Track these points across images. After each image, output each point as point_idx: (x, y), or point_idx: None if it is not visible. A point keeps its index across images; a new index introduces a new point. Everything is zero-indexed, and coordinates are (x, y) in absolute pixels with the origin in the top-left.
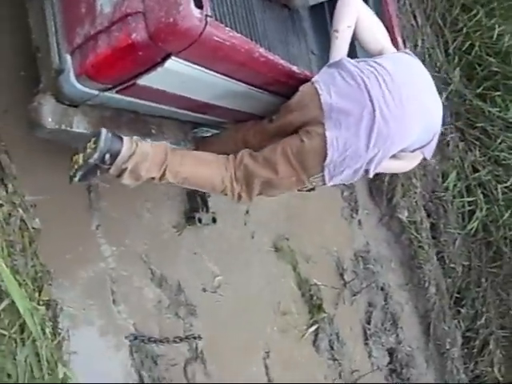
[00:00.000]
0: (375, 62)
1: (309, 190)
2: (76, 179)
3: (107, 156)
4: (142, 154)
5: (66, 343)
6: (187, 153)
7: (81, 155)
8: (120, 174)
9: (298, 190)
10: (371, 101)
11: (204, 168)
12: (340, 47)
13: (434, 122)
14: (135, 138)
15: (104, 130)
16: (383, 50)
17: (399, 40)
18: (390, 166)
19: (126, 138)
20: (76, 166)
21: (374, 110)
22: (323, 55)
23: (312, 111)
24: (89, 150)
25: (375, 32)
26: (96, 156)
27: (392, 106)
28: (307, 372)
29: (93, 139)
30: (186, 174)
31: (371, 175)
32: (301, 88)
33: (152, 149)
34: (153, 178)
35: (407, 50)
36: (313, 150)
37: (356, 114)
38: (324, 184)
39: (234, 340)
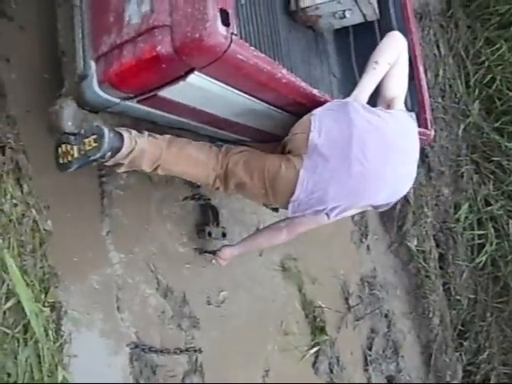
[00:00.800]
0: (383, 118)
1: (273, 210)
2: (71, 169)
3: (108, 154)
4: (140, 151)
5: (68, 346)
6: (182, 151)
7: (75, 147)
8: (115, 166)
9: (264, 205)
10: (353, 157)
11: (194, 169)
12: (372, 79)
13: (402, 190)
14: (134, 133)
15: (106, 131)
16: (394, 102)
17: (420, 69)
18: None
19: (125, 136)
20: (70, 158)
21: (351, 167)
22: (344, 78)
23: (299, 142)
24: (89, 147)
25: (400, 81)
26: (98, 155)
27: (373, 166)
28: None
29: (93, 136)
30: (176, 173)
31: (330, 220)
32: (304, 116)
33: (149, 146)
34: (142, 170)
35: (412, 114)
36: (285, 180)
37: (334, 163)
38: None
39: (234, 355)
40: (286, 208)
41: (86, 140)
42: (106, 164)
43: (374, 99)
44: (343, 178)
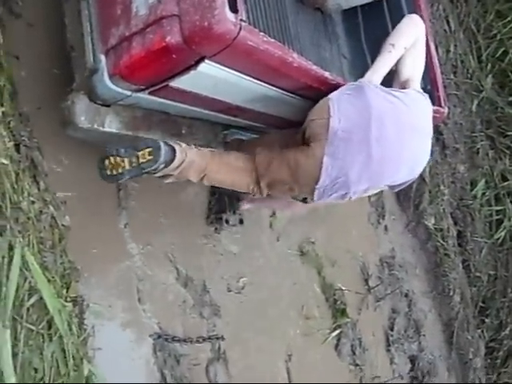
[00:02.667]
0: (399, 98)
1: (303, 201)
2: (121, 180)
3: (162, 166)
4: (189, 163)
5: (91, 339)
6: (223, 161)
7: (126, 160)
8: (163, 176)
9: (293, 198)
10: (373, 139)
11: (235, 176)
12: (387, 62)
13: (418, 168)
14: (184, 146)
15: (162, 144)
16: (409, 85)
17: (431, 46)
18: None
19: (177, 150)
20: (121, 170)
21: (371, 149)
22: (355, 59)
23: (319, 127)
24: (143, 160)
25: (415, 65)
26: (154, 167)
27: (392, 147)
28: (328, 376)
29: (148, 149)
30: (219, 181)
31: (352, 199)
32: (320, 101)
33: (197, 157)
34: (189, 180)
35: (427, 96)
36: (307, 169)
37: (356, 147)
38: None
39: (256, 342)
40: (312, 196)
41: (140, 153)
42: (155, 175)
43: (388, 82)
44: (365, 160)
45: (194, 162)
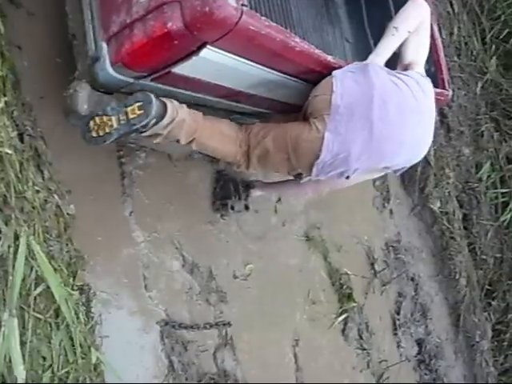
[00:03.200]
0: (402, 79)
1: (297, 176)
2: (109, 141)
3: (153, 121)
4: (179, 122)
5: (99, 327)
6: (215, 127)
7: (114, 118)
8: (151, 136)
9: (288, 173)
10: (375, 118)
11: (226, 145)
12: (390, 45)
13: (421, 152)
14: (176, 104)
15: (154, 98)
16: (413, 65)
17: (435, 29)
18: (360, 178)
19: (169, 106)
20: (108, 129)
21: (372, 127)
22: (357, 43)
23: (321, 103)
24: (132, 116)
25: (419, 49)
26: (144, 122)
27: (393, 127)
28: (336, 361)
29: (137, 104)
30: (207, 147)
31: (350, 178)
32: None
33: (189, 117)
34: (178, 141)
35: (429, 80)
36: (308, 143)
37: (357, 124)
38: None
39: (263, 327)
40: (310, 171)
41: (129, 108)
42: (143, 134)
43: (392, 65)
44: (366, 138)
45: (185, 121)
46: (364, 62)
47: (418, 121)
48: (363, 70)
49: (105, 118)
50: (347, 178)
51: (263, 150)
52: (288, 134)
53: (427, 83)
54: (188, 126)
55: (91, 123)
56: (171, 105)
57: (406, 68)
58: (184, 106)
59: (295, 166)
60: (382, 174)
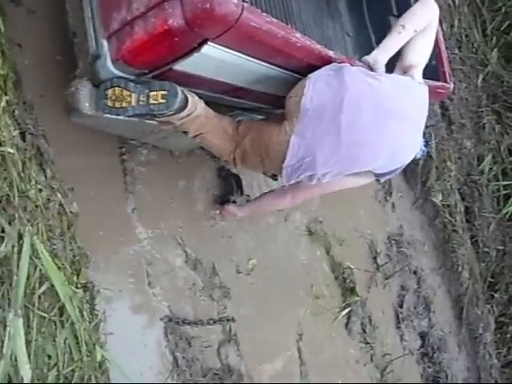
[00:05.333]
0: (381, 82)
1: (272, 177)
2: (123, 116)
3: (170, 113)
4: (194, 118)
5: (103, 325)
6: (221, 125)
7: (134, 95)
8: (163, 123)
9: (263, 173)
10: (343, 122)
11: (224, 142)
12: (395, 43)
13: (404, 158)
14: (196, 99)
15: (180, 92)
16: (412, 70)
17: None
18: (343, 184)
19: (190, 101)
20: (125, 104)
21: (340, 132)
22: (358, 37)
23: (292, 106)
24: (154, 101)
25: (422, 50)
26: (163, 112)
27: (367, 131)
28: (339, 355)
29: (162, 92)
30: (211, 144)
31: (323, 182)
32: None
33: (203, 114)
34: (185, 133)
35: (425, 86)
36: (277, 145)
37: (324, 128)
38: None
39: (266, 322)
40: (281, 174)
41: (152, 93)
42: (157, 119)
43: (393, 63)
44: (332, 143)
45: (199, 117)
46: (341, 64)
47: (401, 126)
48: (338, 73)
49: (125, 92)
50: (318, 181)
51: (243, 149)
52: (262, 135)
53: (420, 90)
54: (200, 122)
55: (110, 92)
56: (192, 100)
57: (405, 69)
58: (202, 101)
59: (268, 168)
60: (369, 181)
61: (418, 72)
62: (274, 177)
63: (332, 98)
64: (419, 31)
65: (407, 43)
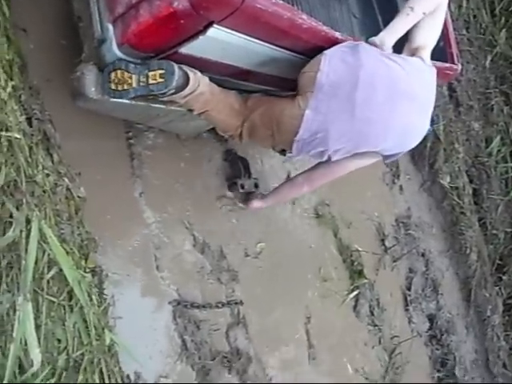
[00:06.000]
0: (397, 63)
1: (280, 153)
2: (125, 98)
3: (172, 91)
4: (198, 95)
5: (112, 309)
6: (227, 101)
7: (134, 76)
8: (168, 102)
9: (272, 148)
10: (358, 99)
11: (231, 118)
12: (403, 25)
13: (412, 140)
14: (199, 75)
15: (177, 69)
16: (420, 52)
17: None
18: (352, 166)
19: (191, 77)
20: (126, 86)
21: (354, 109)
22: (365, 18)
23: (306, 80)
24: (153, 81)
25: (430, 33)
26: (162, 92)
27: (380, 110)
28: (347, 337)
29: (160, 71)
30: (216, 120)
31: (332, 160)
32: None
33: (208, 90)
34: (190, 110)
35: (434, 68)
36: (289, 119)
37: (339, 104)
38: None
39: (275, 305)
40: (291, 148)
41: (151, 73)
42: (160, 99)
43: (400, 46)
44: (346, 119)
45: (204, 94)
46: (357, 42)
47: (411, 107)
48: (354, 50)
49: (125, 75)
50: (329, 158)
51: (252, 123)
52: (274, 109)
53: (429, 72)
54: (205, 99)
55: (113, 75)
56: (194, 77)
57: (413, 51)
58: (206, 78)
59: (278, 142)
60: (374, 160)
61: (426, 54)
62: (283, 152)
63: (347, 75)
64: (428, 13)
65: (415, 25)
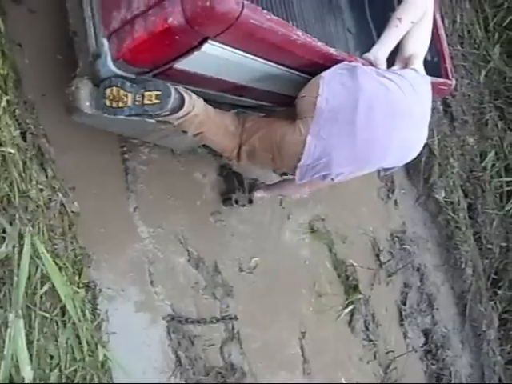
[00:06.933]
0: (393, 81)
1: (282, 174)
2: (119, 116)
3: (165, 113)
4: (192, 117)
5: (105, 324)
6: (222, 123)
7: (130, 95)
8: (162, 122)
9: (274, 172)
10: (359, 123)
11: (226, 139)
12: (394, 37)
13: (411, 154)
14: (193, 97)
15: (173, 92)
16: (412, 61)
17: (437, 17)
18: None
19: (186, 100)
20: (121, 104)
21: (356, 133)
22: (360, 33)
23: (306, 105)
24: (148, 101)
25: (421, 40)
26: (157, 112)
27: (379, 132)
28: (342, 352)
29: (156, 92)
30: (212, 142)
31: (334, 181)
32: (313, 78)
33: (202, 113)
34: (185, 132)
35: (427, 78)
36: (291, 145)
37: (341, 129)
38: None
39: (269, 320)
40: (294, 173)
41: (147, 93)
42: (155, 118)
43: (393, 56)
44: (348, 143)
45: (198, 116)
46: (353, 64)
47: (408, 124)
48: (352, 73)
49: (121, 92)
50: (332, 180)
51: (251, 146)
52: (274, 134)
53: (423, 83)
54: (199, 121)
55: (108, 91)
56: (189, 99)
57: (405, 61)
58: (201, 100)
59: (279, 166)
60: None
61: (418, 63)
62: (285, 174)
63: (347, 99)
64: (416, 21)
65: (406, 35)
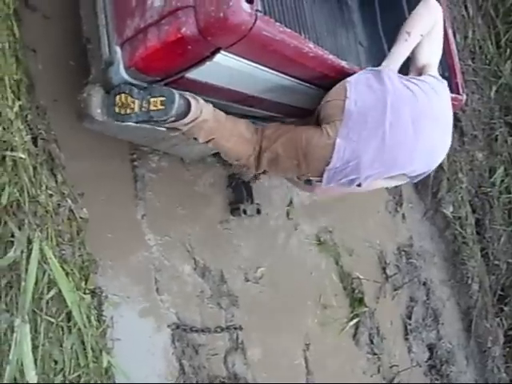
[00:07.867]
0: (417, 85)
1: (306, 182)
2: (128, 122)
3: (172, 119)
4: (201, 123)
5: (110, 331)
6: (235, 129)
7: (137, 102)
8: (171, 129)
9: (298, 179)
10: (388, 125)
11: (241, 146)
12: (404, 51)
13: (437, 158)
14: (201, 102)
15: (177, 98)
16: (426, 70)
17: (449, 32)
18: (378, 185)
19: (193, 105)
20: (129, 110)
21: (385, 135)
22: (372, 47)
23: (333, 109)
24: (154, 108)
25: (433, 51)
26: (162, 118)
27: (406, 134)
28: (346, 365)
29: (161, 98)
30: (225, 149)
31: (362, 186)
32: (338, 84)
33: (212, 118)
34: (195, 139)
35: (445, 82)
36: (319, 149)
37: (370, 131)
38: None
39: (274, 331)
40: (321, 177)
41: (152, 99)
42: (163, 125)
43: (406, 69)
44: (377, 146)
45: (207, 122)
46: (377, 68)
47: (433, 127)
48: (377, 76)
49: (129, 99)
50: (359, 185)
51: (273, 153)
52: (299, 139)
53: (443, 87)
54: (209, 127)
55: (117, 98)
56: (196, 104)
57: (419, 71)
58: (210, 105)
59: (305, 172)
60: (401, 182)
61: (434, 70)
62: (309, 181)
63: (375, 101)
64: (426, 34)
65: (416, 47)
